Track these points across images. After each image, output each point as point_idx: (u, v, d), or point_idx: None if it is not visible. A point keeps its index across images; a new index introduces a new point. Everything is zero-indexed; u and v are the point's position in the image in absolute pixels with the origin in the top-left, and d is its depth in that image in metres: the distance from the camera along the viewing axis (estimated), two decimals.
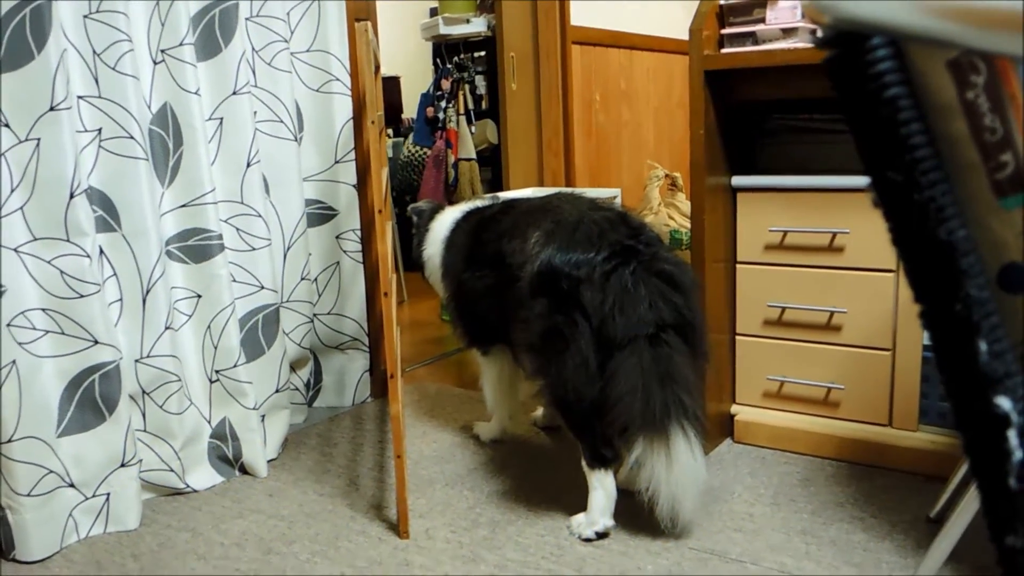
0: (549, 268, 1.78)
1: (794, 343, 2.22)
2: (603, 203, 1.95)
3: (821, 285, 2.15)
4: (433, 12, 4.70)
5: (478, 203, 2.30)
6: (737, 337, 2.30)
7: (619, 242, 1.77)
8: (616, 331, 1.72)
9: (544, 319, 1.80)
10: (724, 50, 2.14)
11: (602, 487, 1.84)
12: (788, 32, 2.04)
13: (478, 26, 3.90)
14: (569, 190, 2.33)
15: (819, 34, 0.59)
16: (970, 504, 1.43)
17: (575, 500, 1.95)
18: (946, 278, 0.57)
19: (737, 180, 2.22)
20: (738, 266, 2.27)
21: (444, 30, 3.95)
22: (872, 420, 2.15)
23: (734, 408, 2.33)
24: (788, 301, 2.21)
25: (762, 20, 2.06)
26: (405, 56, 5.94)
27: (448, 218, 2.31)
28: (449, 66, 4.11)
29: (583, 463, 1.86)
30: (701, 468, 1.76)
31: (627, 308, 1.72)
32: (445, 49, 4.17)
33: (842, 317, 2.14)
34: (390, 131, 5.34)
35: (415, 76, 5.88)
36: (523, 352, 1.98)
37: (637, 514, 1.81)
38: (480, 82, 4.00)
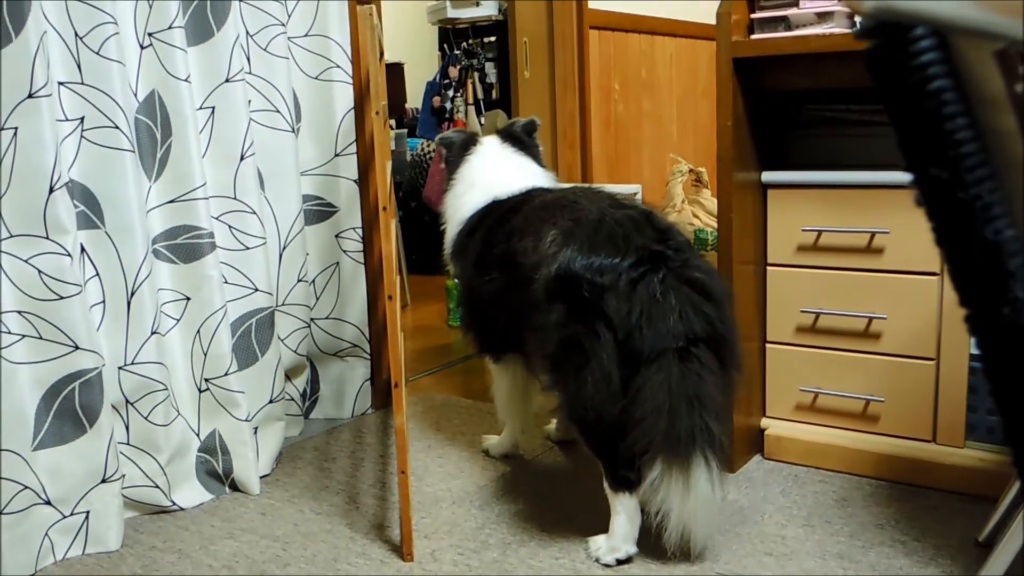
0: (569, 272, 1.75)
1: (829, 352, 2.21)
2: (625, 200, 1.94)
3: (858, 289, 2.14)
4: None
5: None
6: (767, 345, 2.29)
7: (646, 246, 1.74)
8: (643, 344, 1.69)
9: (562, 328, 1.78)
10: (754, 36, 2.13)
11: (625, 512, 1.82)
12: (823, 16, 2.02)
13: (489, 9, 3.90)
14: (586, 185, 2.33)
15: (859, 23, 0.58)
16: (1022, 527, 1.42)
17: (591, 520, 1.94)
18: (993, 280, 0.57)
19: (768, 176, 2.21)
20: (768, 269, 2.26)
21: (452, 13, 3.95)
22: (914, 435, 2.13)
23: (764, 422, 2.32)
24: (823, 306, 2.19)
25: (795, 4, 2.05)
26: (409, 41, 5.95)
27: (480, 164, 2.28)
28: (457, 52, 4.11)
29: (605, 485, 1.85)
30: (718, 501, 1.76)
31: (655, 319, 1.69)
32: (453, 34, 4.18)
33: (881, 324, 2.13)
34: (393, 122, 5.35)
35: (420, 63, 5.89)
36: (538, 362, 1.97)
37: (660, 534, 1.80)
38: (490, 69, 4.00)
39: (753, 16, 2.14)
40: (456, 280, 2.32)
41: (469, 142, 2.34)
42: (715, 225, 3.77)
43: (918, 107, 0.55)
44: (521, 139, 2.33)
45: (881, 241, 2.09)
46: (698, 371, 1.71)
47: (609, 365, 1.72)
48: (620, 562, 1.83)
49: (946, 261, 0.61)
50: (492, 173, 2.25)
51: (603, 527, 1.87)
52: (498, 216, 2.12)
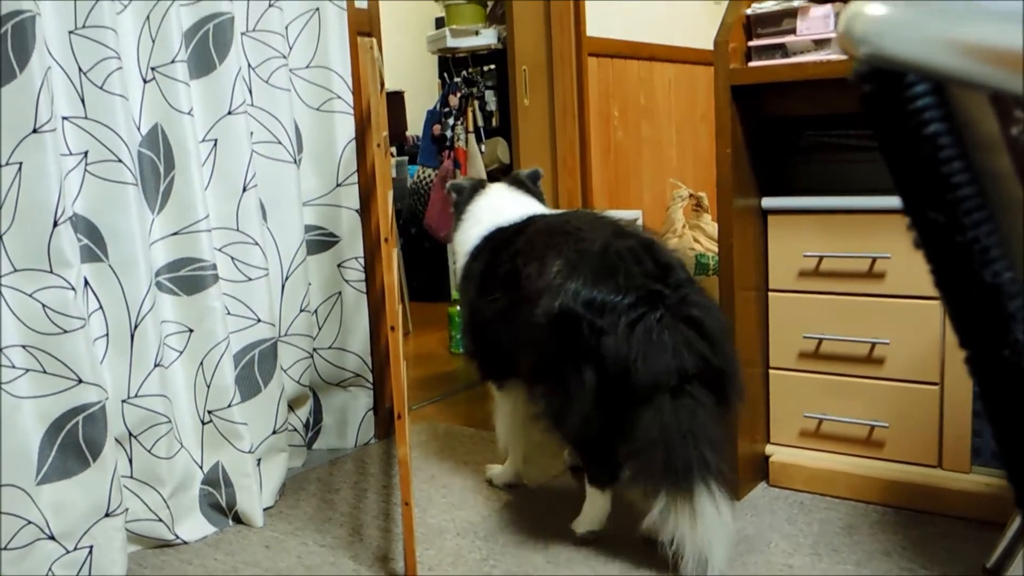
0: (571, 311, 1.82)
1: (833, 377, 2.21)
2: (627, 227, 2.01)
3: (861, 314, 2.14)
4: (439, 23, 4.74)
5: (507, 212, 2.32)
6: (771, 371, 2.29)
7: (646, 286, 1.82)
8: (638, 381, 1.77)
9: (558, 360, 1.87)
10: (752, 63, 2.15)
11: (592, 501, 2.03)
12: (820, 43, 2.04)
13: (488, 38, 3.93)
14: (589, 211, 2.37)
15: (855, 68, 0.59)
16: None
17: (598, 551, 1.94)
18: (993, 322, 0.57)
19: (768, 202, 2.22)
20: (770, 294, 2.26)
21: (452, 43, 3.99)
22: (920, 461, 2.13)
23: (768, 448, 2.32)
24: (825, 332, 2.19)
25: (792, 31, 2.07)
26: (409, 69, 5.99)
27: (487, 204, 2.35)
28: (457, 80, 4.14)
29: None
30: (728, 523, 1.79)
31: (650, 358, 1.77)
32: (453, 63, 4.21)
33: (884, 349, 2.13)
34: (393, 150, 5.37)
35: (420, 91, 5.93)
36: (529, 382, 2.07)
37: (677, 564, 1.80)
38: (490, 97, 4.03)
39: (751, 44, 2.15)
40: (460, 308, 2.38)
41: (478, 187, 2.44)
42: (716, 250, 3.77)
43: (914, 151, 0.56)
44: (526, 185, 2.44)
45: (882, 266, 2.10)
46: (692, 407, 1.78)
47: (599, 398, 1.82)
48: (586, 538, 2.03)
49: (945, 303, 0.61)
50: (497, 208, 2.33)
51: (609, 559, 1.86)
52: (501, 239, 2.19)
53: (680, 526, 1.75)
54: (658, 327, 1.77)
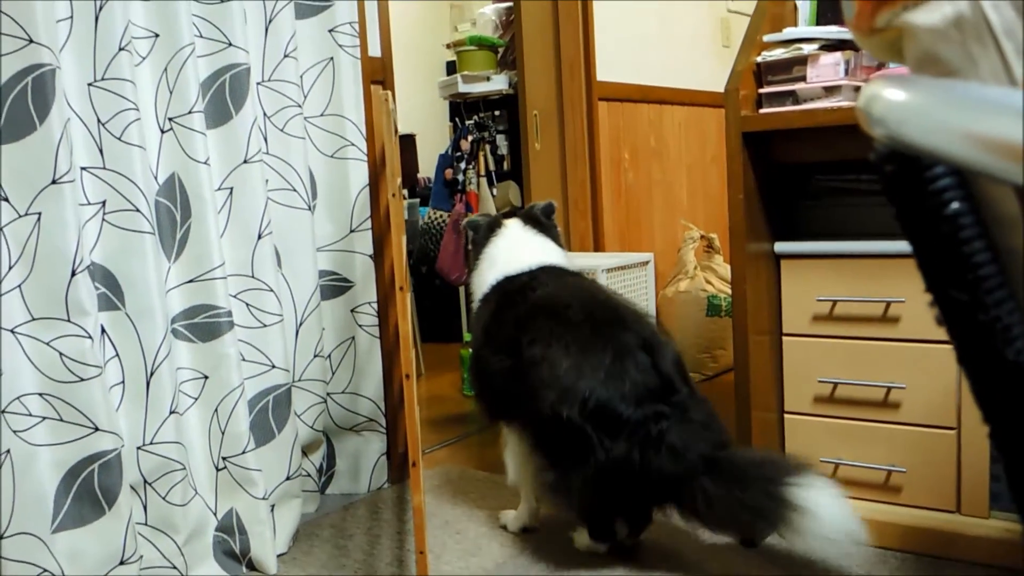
0: (576, 423, 1.93)
1: (848, 422, 2.19)
2: (630, 312, 2.10)
3: (876, 359, 2.14)
4: (451, 68, 4.79)
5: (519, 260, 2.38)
6: (786, 415, 2.28)
7: (651, 406, 1.94)
8: (647, 478, 1.93)
9: (560, 450, 2.00)
10: (762, 110, 2.17)
11: (580, 538, 2.20)
12: (831, 91, 2.06)
13: (499, 83, 3.97)
14: (591, 280, 2.43)
15: (876, 149, 0.59)
16: None
17: None
18: (1016, 399, 0.57)
19: (780, 246, 2.23)
20: (784, 338, 2.26)
21: (463, 88, 4.03)
22: (938, 506, 2.11)
23: None
24: (840, 376, 2.19)
25: (802, 78, 2.09)
26: (421, 113, 6.05)
27: (501, 245, 2.42)
28: (469, 124, 4.17)
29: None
30: (833, 496, 1.82)
31: (654, 464, 1.91)
32: (464, 107, 4.25)
33: (900, 393, 2.12)
34: (405, 192, 5.41)
35: (431, 133, 5.98)
36: (530, 444, 2.16)
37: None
38: (501, 141, 4.06)
39: (761, 91, 2.17)
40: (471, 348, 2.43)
41: (494, 225, 2.49)
42: (728, 290, 3.78)
43: (935, 230, 0.56)
44: (540, 221, 2.49)
45: (897, 310, 2.09)
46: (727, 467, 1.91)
47: (599, 487, 1.96)
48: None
49: (968, 379, 0.61)
50: (510, 252, 2.40)
51: None
52: (507, 292, 2.27)
53: (806, 526, 1.79)
54: (656, 443, 1.91)
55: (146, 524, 2.10)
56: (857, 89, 2.08)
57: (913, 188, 0.56)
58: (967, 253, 0.55)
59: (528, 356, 2.05)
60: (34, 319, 1.87)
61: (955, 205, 0.55)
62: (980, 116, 0.52)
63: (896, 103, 0.54)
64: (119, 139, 1.99)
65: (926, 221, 0.56)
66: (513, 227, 2.47)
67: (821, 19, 2.22)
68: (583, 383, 1.94)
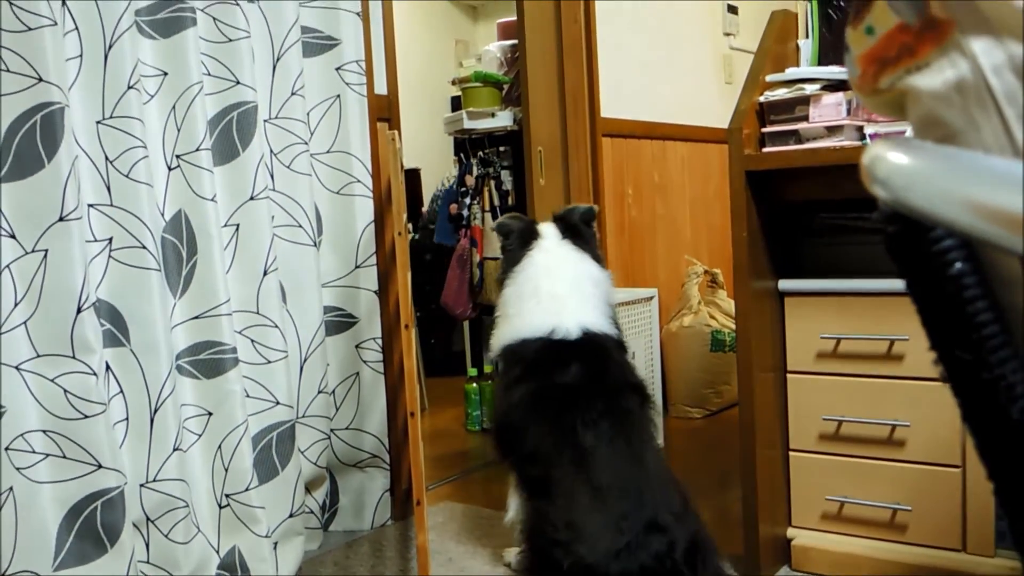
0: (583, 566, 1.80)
1: (853, 459, 2.18)
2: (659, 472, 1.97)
3: (880, 396, 2.13)
4: (455, 103, 4.82)
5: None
6: (791, 453, 2.27)
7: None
8: None
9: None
10: (766, 149, 2.18)
11: None
12: (833, 130, 2.07)
13: (504, 120, 4.00)
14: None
15: (880, 209, 0.60)
16: None
17: None
18: (1021, 457, 0.57)
19: (784, 284, 2.23)
20: (788, 376, 2.25)
21: (468, 124, 4.05)
22: (944, 545, 2.09)
23: (791, 532, 2.28)
24: (845, 414, 2.18)
25: (805, 118, 2.10)
26: (425, 147, 6.08)
27: (546, 256, 2.24)
28: (473, 161, 4.19)
29: None
30: None
31: None
32: (469, 143, 4.27)
33: (905, 431, 2.11)
34: (409, 226, 5.44)
35: (435, 167, 6.01)
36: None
37: None
38: (506, 177, 4.08)
39: (764, 130, 2.18)
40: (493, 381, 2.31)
41: (529, 233, 2.29)
42: (731, 326, 3.78)
43: (939, 290, 0.57)
44: (579, 230, 2.31)
45: (901, 348, 2.09)
46: None
47: None
48: None
49: (972, 437, 0.61)
50: (547, 294, 2.19)
51: None
52: (548, 377, 2.08)
53: None
54: None
55: (148, 562, 2.09)
56: (859, 129, 2.09)
57: (916, 248, 0.56)
58: (971, 313, 0.55)
59: (552, 484, 1.93)
60: (39, 356, 1.88)
61: (958, 266, 0.55)
62: (982, 186, 0.52)
63: (900, 167, 0.55)
64: (127, 176, 2.01)
65: (929, 281, 0.56)
66: (550, 240, 2.27)
67: (823, 59, 2.24)
68: (591, 515, 1.83)
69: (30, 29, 1.81)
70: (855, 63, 0.71)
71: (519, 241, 2.28)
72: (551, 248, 2.26)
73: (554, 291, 2.18)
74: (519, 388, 2.10)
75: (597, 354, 2.12)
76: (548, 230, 2.30)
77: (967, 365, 0.58)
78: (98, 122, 2.01)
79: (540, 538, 1.91)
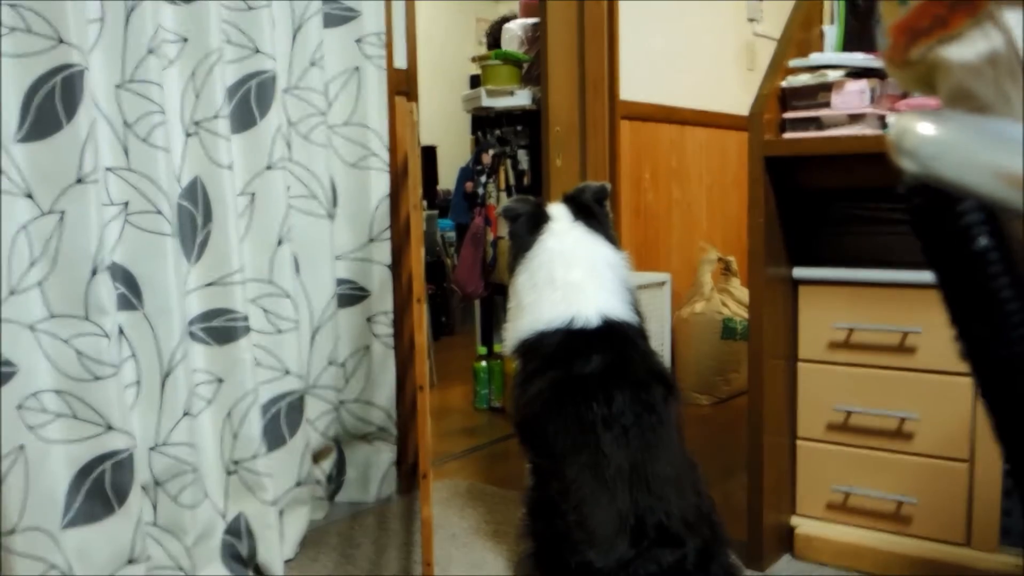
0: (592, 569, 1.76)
1: (861, 450, 2.18)
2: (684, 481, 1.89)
3: (891, 388, 2.12)
4: (474, 81, 4.80)
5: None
6: (798, 441, 2.27)
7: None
8: None
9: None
10: (786, 135, 2.16)
11: None
12: (855, 118, 2.05)
13: (522, 99, 3.98)
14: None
15: (904, 182, 0.59)
16: None
17: None
18: None
19: (799, 272, 2.22)
20: (800, 364, 2.25)
21: (487, 102, 4.03)
22: (948, 539, 2.09)
23: (795, 520, 2.28)
24: (854, 404, 2.17)
25: (827, 104, 2.08)
26: (442, 124, 6.07)
27: (559, 242, 2.09)
28: (490, 139, 4.18)
29: None
30: None
31: None
32: (487, 121, 4.25)
33: (914, 424, 2.10)
34: (425, 203, 5.43)
35: (452, 145, 6.00)
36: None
37: None
38: (523, 156, 4.06)
39: (785, 116, 2.17)
40: (513, 376, 2.13)
41: (537, 217, 2.13)
42: (744, 314, 3.77)
43: (962, 265, 0.56)
44: (592, 210, 2.16)
45: (913, 340, 2.08)
46: None
47: None
48: None
49: (989, 414, 0.61)
50: (568, 273, 2.05)
51: None
52: (568, 368, 1.96)
53: None
54: None
55: (155, 525, 2.10)
56: (881, 118, 2.07)
57: (941, 222, 0.56)
58: (992, 289, 0.55)
59: (568, 483, 1.86)
60: (53, 316, 1.88)
61: (982, 241, 0.54)
62: (1011, 154, 0.52)
63: (928, 137, 0.54)
64: (144, 141, 2.01)
65: (952, 256, 0.56)
66: (561, 225, 2.12)
67: (848, 46, 2.22)
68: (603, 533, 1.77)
69: None
70: (886, 33, 0.70)
71: (528, 226, 2.13)
72: (563, 231, 2.10)
73: (570, 279, 2.04)
74: (537, 381, 1.98)
75: (619, 343, 1.99)
76: (559, 212, 2.15)
77: (986, 342, 0.57)
78: (117, 86, 2.01)
79: (549, 529, 1.87)
